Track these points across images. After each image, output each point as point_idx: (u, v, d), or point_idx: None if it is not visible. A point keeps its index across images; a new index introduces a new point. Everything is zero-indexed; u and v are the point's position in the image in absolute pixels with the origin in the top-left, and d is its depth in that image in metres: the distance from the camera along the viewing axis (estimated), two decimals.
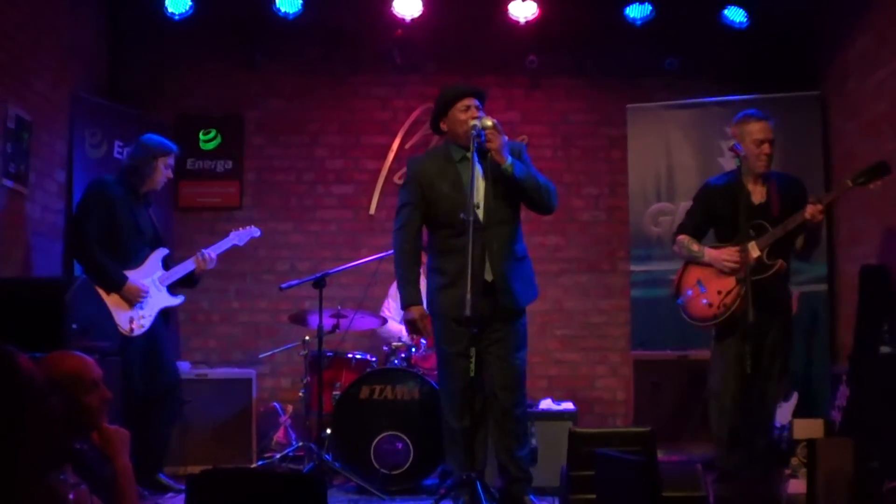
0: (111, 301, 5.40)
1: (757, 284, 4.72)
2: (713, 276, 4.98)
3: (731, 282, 4.90)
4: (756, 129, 4.95)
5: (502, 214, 4.77)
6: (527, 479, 4.85)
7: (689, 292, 5.07)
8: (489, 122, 4.61)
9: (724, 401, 4.94)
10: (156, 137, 5.75)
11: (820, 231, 4.86)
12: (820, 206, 4.70)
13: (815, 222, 4.74)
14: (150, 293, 5.55)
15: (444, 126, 4.93)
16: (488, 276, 4.71)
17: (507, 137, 4.73)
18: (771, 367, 4.92)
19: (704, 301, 5.00)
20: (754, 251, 4.84)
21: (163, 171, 5.67)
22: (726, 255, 4.93)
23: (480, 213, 4.66)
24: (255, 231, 6.13)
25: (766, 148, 4.92)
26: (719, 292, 4.93)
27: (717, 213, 5.08)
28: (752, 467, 4.93)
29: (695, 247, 5.08)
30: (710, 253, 5.01)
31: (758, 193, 4.99)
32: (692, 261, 5.11)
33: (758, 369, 4.74)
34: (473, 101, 4.82)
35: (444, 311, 4.80)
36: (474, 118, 4.72)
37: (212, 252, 5.83)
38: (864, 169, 4.81)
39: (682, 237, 5.16)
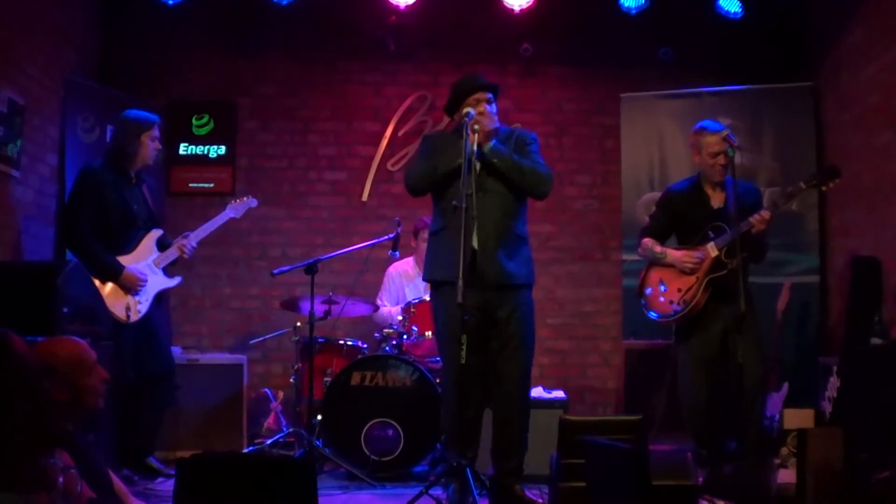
0: (107, 290, 5.35)
1: (716, 281, 5.04)
2: (674, 275, 5.20)
3: (690, 280, 5.13)
4: (712, 142, 5.17)
5: (499, 191, 4.71)
6: (519, 472, 4.84)
7: (651, 290, 5.28)
8: (483, 109, 4.67)
9: (695, 401, 5.10)
10: (134, 112, 5.64)
11: (765, 238, 5.08)
12: (767, 215, 4.92)
13: (760, 229, 4.95)
14: (147, 279, 5.52)
15: (456, 117, 4.89)
16: (476, 245, 4.59)
17: (515, 126, 4.78)
18: (745, 359, 4.93)
19: (665, 299, 5.21)
20: (713, 251, 5.06)
21: (150, 146, 5.57)
22: (686, 255, 5.14)
23: (472, 195, 4.48)
24: (251, 202, 6.05)
25: (720, 159, 5.12)
26: (679, 290, 5.16)
27: (679, 217, 5.31)
28: (740, 458, 4.96)
29: (658, 248, 5.30)
30: (672, 254, 5.24)
31: (717, 199, 5.22)
32: (655, 262, 5.32)
33: (727, 363, 4.98)
34: (485, 95, 4.81)
35: (438, 275, 4.78)
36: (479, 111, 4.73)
37: (193, 241, 5.73)
38: (818, 171, 5.23)
39: (646, 240, 5.37)
